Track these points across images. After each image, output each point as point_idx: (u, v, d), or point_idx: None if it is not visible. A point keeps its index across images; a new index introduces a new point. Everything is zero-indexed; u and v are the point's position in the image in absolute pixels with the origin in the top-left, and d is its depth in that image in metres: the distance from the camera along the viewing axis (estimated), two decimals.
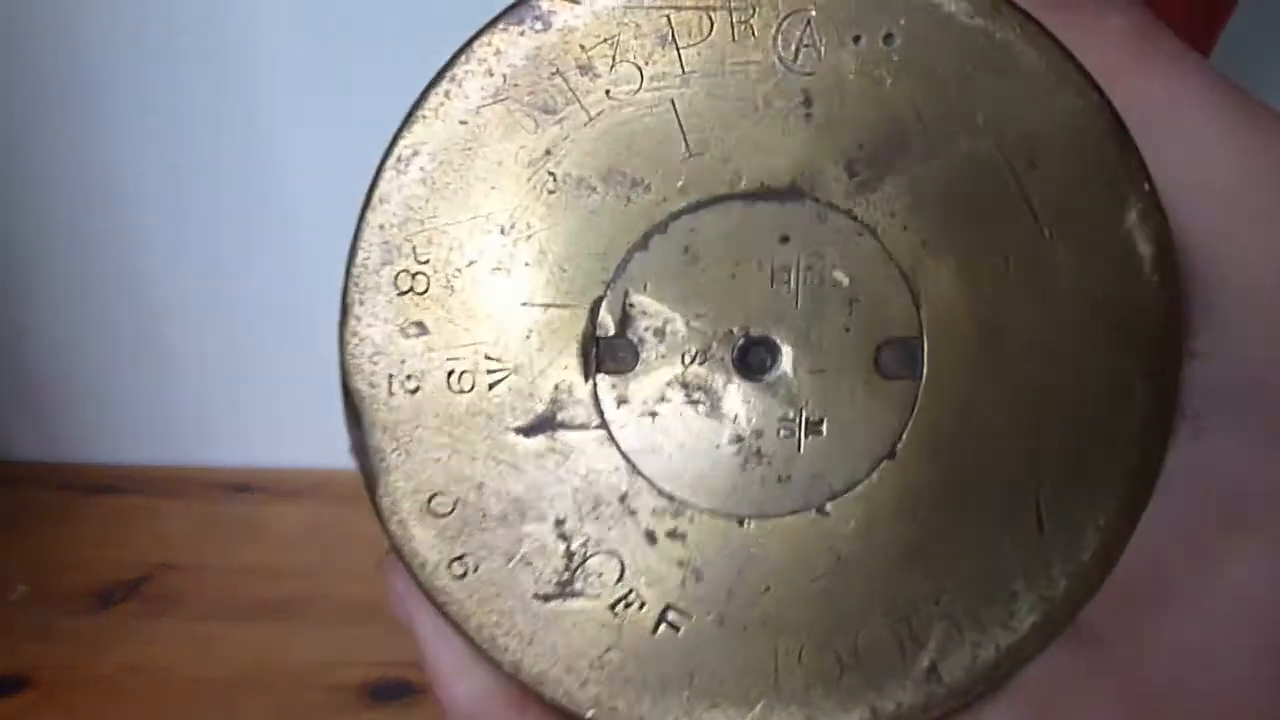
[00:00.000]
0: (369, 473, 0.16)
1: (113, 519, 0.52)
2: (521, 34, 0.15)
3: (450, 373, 0.15)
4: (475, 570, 0.15)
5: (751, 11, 0.14)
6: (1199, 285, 0.15)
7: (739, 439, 0.15)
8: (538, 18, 0.15)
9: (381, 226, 0.15)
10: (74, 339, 0.55)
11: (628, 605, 0.15)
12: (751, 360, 0.15)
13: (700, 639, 0.15)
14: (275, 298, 0.53)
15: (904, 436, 0.15)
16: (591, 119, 0.15)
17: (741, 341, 0.15)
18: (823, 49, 0.14)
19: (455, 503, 0.15)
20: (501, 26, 0.15)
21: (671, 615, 0.15)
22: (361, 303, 0.15)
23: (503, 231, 0.15)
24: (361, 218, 0.15)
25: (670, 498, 0.15)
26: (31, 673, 0.42)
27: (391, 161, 0.15)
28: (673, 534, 0.15)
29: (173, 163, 0.51)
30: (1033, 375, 0.15)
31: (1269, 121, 0.15)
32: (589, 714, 0.15)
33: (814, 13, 0.14)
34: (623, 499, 0.15)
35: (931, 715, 0.15)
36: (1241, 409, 0.15)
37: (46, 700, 0.41)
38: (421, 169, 0.15)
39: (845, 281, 0.15)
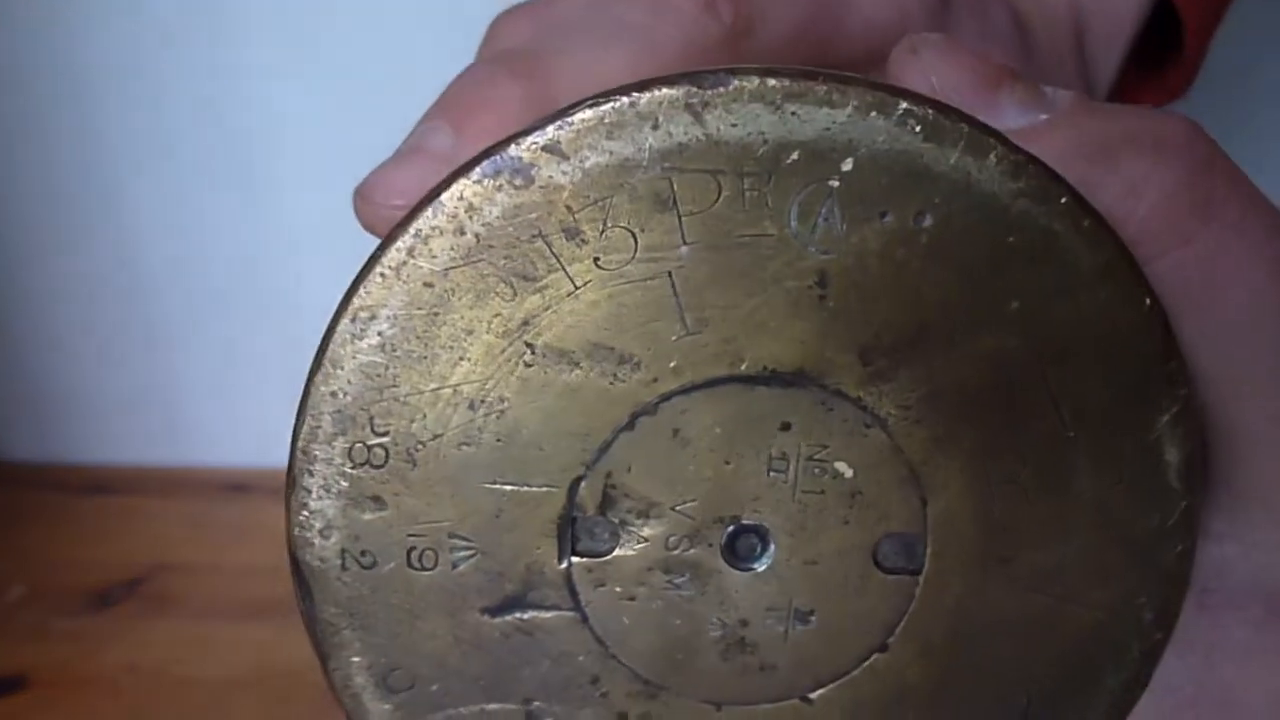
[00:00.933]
0: (320, 644, 0.14)
1: (110, 519, 0.52)
2: (499, 189, 0.13)
3: (411, 549, 0.14)
4: None
5: (767, 178, 0.13)
6: (1224, 467, 0.14)
7: (723, 627, 0.14)
8: (518, 171, 0.13)
9: (334, 394, 0.14)
10: (71, 339, 0.55)
11: None
12: (740, 548, 0.14)
13: None
14: (273, 299, 0.53)
15: (897, 631, 0.14)
16: (577, 289, 0.13)
17: (731, 529, 0.14)
18: (844, 225, 0.13)
19: (414, 679, 0.14)
20: (475, 178, 0.13)
21: None
22: (311, 474, 0.14)
23: (472, 406, 0.14)
24: (310, 381, 0.14)
25: (645, 681, 0.14)
26: (29, 673, 0.42)
27: (345, 322, 0.14)
28: (645, 717, 0.14)
29: (172, 164, 0.51)
30: (1036, 598, 0.14)
31: None
32: None
33: (838, 184, 0.13)
34: (594, 681, 0.14)
35: None
36: (1248, 602, 0.14)
37: (44, 700, 0.41)
38: (380, 333, 0.13)
39: (848, 474, 0.14)
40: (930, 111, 0.12)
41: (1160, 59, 0.30)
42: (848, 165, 0.12)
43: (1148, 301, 0.13)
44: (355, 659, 0.14)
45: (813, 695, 0.14)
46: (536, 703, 0.14)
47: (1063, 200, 0.13)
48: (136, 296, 0.54)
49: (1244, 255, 0.13)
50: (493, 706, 0.14)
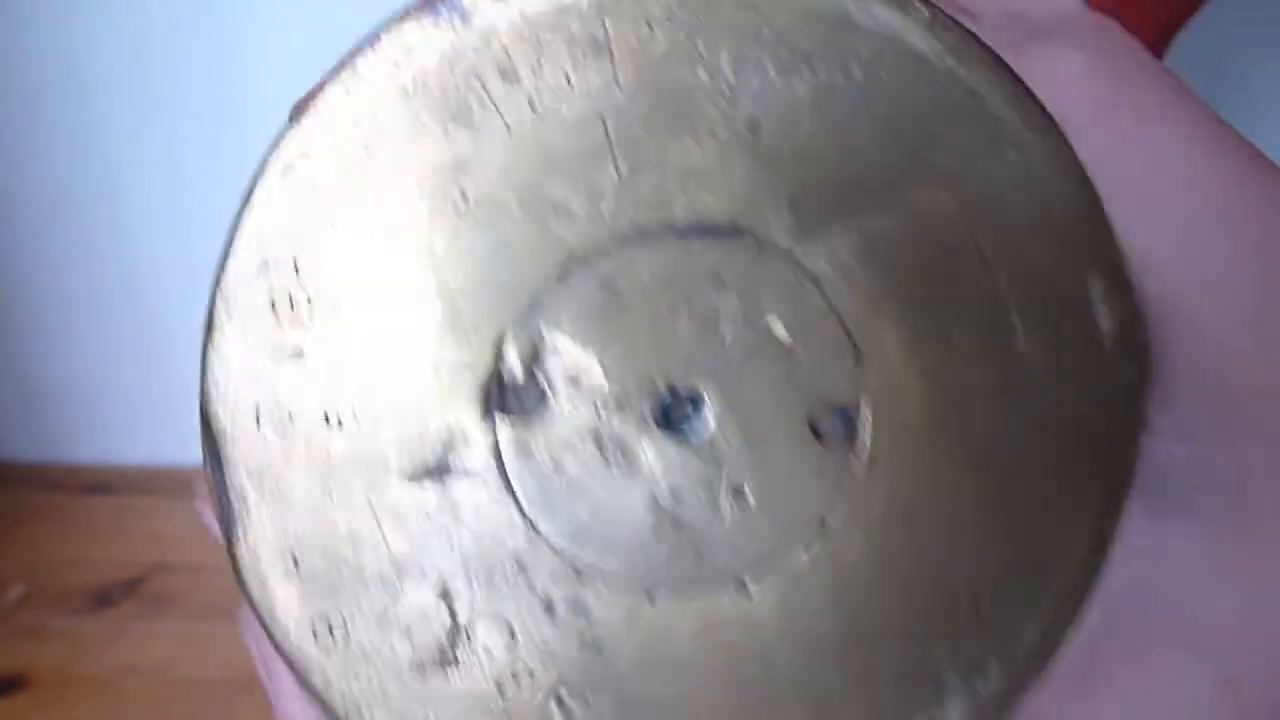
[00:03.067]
0: (226, 519, 0.14)
1: (109, 519, 0.52)
2: (438, 30, 0.13)
3: (328, 410, 0.13)
4: (344, 635, 0.13)
5: (700, 27, 0.13)
6: (1162, 356, 0.14)
7: (655, 503, 0.13)
8: (456, 12, 0.13)
9: (260, 233, 0.13)
10: (71, 339, 0.55)
11: (517, 682, 0.13)
12: (673, 414, 0.13)
13: None
14: None
15: (835, 509, 0.13)
16: (511, 132, 0.13)
17: (664, 394, 0.13)
18: (776, 77, 0.13)
19: (325, 557, 0.13)
20: (414, 20, 0.13)
21: (564, 696, 0.13)
22: (229, 318, 0.13)
23: (401, 252, 0.13)
24: (237, 221, 0.14)
25: (573, 563, 0.13)
26: (28, 673, 0.42)
27: (276, 162, 0.13)
28: (571, 602, 0.13)
29: (173, 163, 0.51)
30: (980, 474, 0.13)
31: (1248, 170, 0.13)
32: None
33: (768, 34, 0.13)
34: (518, 562, 0.13)
35: None
36: (1194, 495, 0.14)
37: (43, 700, 0.41)
38: (311, 173, 0.13)
39: (783, 334, 0.13)
40: None
41: None
42: (778, 17, 0.13)
43: (1074, 166, 0.13)
44: (263, 532, 0.14)
45: (748, 581, 0.13)
46: (455, 587, 0.13)
47: (988, 63, 0.13)
48: (137, 296, 0.54)
49: (1164, 138, 0.13)
50: (408, 589, 0.13)
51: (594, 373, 0.13)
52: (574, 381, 0.13)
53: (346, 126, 0.13)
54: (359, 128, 0.13)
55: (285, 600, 0.14)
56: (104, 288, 0.54)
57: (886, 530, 0.13)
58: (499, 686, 0.13)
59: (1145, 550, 0.14)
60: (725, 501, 0.13)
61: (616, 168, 0.13)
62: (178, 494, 0.53)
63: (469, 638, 0.13)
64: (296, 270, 0.13)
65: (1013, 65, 0.13)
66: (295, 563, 0.14)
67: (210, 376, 0.13)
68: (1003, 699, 0.13)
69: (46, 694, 0.41)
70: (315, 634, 0.13)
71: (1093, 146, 0.13)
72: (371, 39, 0.13)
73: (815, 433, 0.13)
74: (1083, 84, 0.13)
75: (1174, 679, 0.14)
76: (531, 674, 0.13)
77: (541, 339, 0.13)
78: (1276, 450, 0.13)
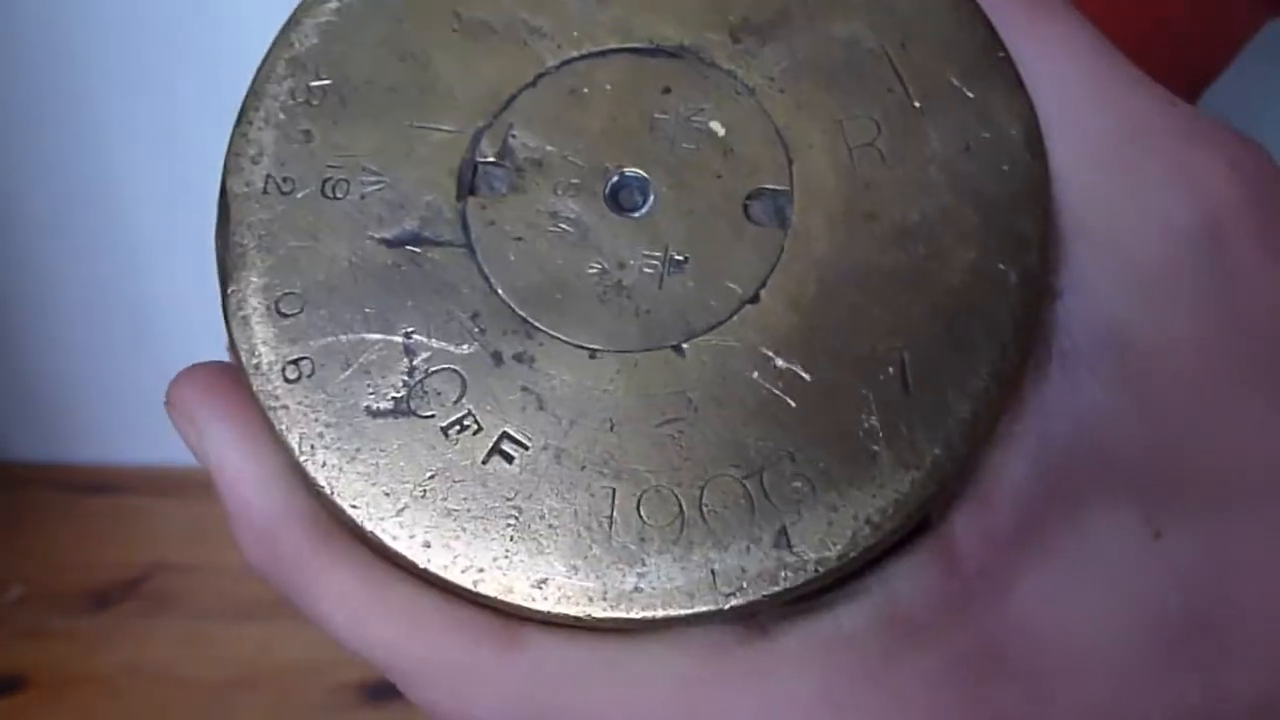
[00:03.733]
0: (224, 269, 0.15)
1: (110, 519, 0.52)
2: None
3: (327, 179, 0.15)
4: (310, 375, 0.15)
5: None
6: (1062, 226, 0.15)
7: (602, 271, 0.15)
8: None
9: (291, 45, 0.16)
10: (72, 339, 0.55)
11: (462, 428, 0.14)
12: (622, 196, 0.15)
13: (533, 474, 0.14)
14: None
15: (767, 283, 0.15)
16: None
17: (615, 178, 0.15)
18: None
19: (304, 305, 0.15)
20: None
21: (506, 445, 0.14)
22: (256, 109, 0.16)
23: (402, 59, 0.16)
24: (276, 41, 0.16)
25: (523, 320, 0.15)
26: (29, 672, 0.42)
27: None
28: (520, 357, 0.15)
29: (172, 163, 0.51)
30: (900, 254, 0.15)
31: (1136, 85, 0.15)
32: (395, 545, 0.14)
33: None
34: (474, 316, 0.15)
35: (780, 590, 0.14)
36: (1104, 359, 0.14)
37: (44, 700, 0.41)
38: (339, 4, 0.16)
39: (721, 132, 0.15)
40: None
41: None
42: None
43: (971, 2, 0.15)
44: (254, 279, 0.15)
45: (684, 344, 0.15)
46: (416, 335, 0.15)
47: None
48: (137, 296, 0.54)
49: (1069, 38, 0.15)
50: (374, 335, 0.15)
51: (555, 160, 0.15)
52: (538, 166, 0.15)
53: None
54: None
55: (264, 340, 0.15)
56: (104, 288, 0.54)
57: (813, 303, 0.15)
58: (445, 432, 0.14)
59: (1063, 407, 0.14)
60: (666, 271, 0.15)
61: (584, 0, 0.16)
62: (178, 494, 0.54)
63: (424, 385, 0.15)
64: (317, 71, 0.16)
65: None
66: (277, 308, 0.15)
67: (232, 153, 0.16)
68: (935, 478, 0.14)
69: (47, 693, 0.41)
70: (284, 374, 0.15)
71: (1011, 38, 0.15)
72: None
73: (749, 216, 0.15)
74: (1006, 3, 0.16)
75: (1102, 534, 0.14)
76: (477, 421, 0.14)
77: (513, 134, 0.15)
78: (1157, 306, 0.14)
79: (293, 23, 0.16)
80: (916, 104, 0.15)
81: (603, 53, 0.16)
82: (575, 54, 0.16)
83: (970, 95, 0.15)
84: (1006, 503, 0.14)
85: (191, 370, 0.16)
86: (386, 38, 0.16)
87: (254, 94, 0.16)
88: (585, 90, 0.16)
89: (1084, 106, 0.15)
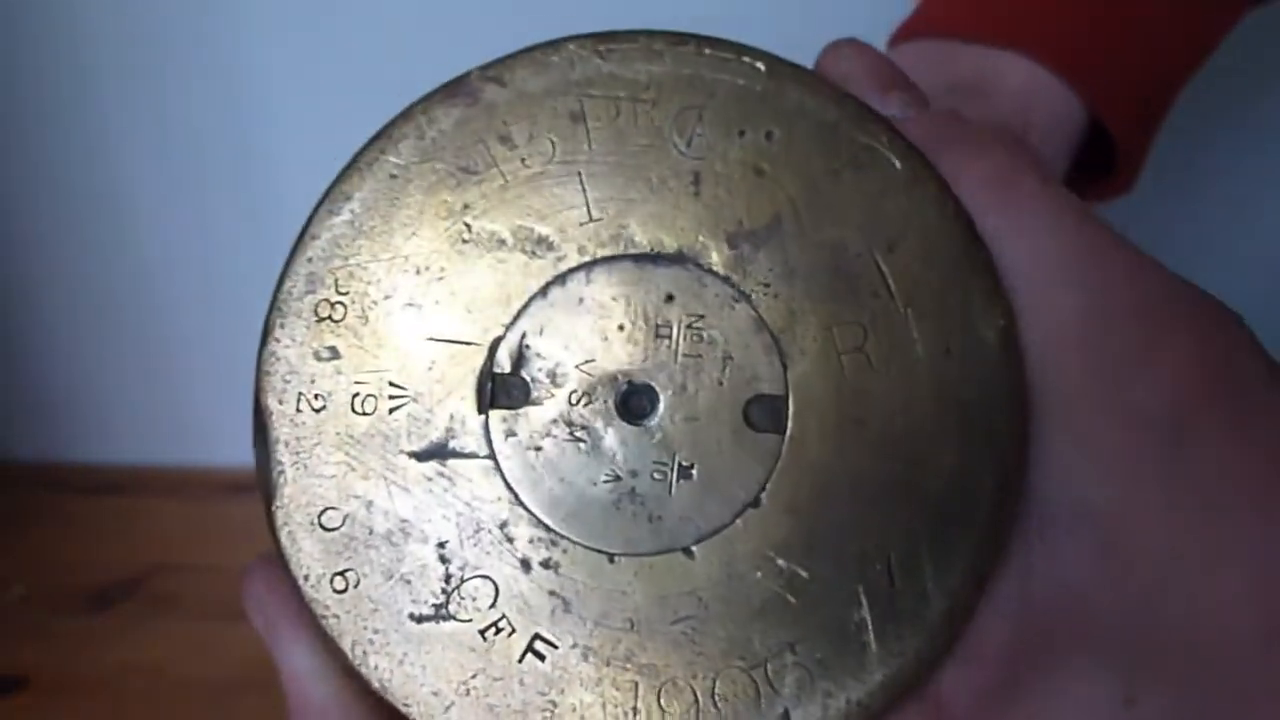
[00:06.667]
0: (266, 484, 0.16)
1: (110, 519, 0.52)
2: (454, 105, 0.17)
3: (355, 395, 0.16)
4: (356, 586, 0.16)
5: (652, 104, 0.17)
6: (1038, 406, 0.16)
7: (615, 478, 0.16)
8: (468, 93, 0.17)
9: (309, 259, 0.17)
10: (73, 339, 0.55)
11: (498, 631, 0.16)
12: (632, 405, 0.16)
13: (564, 670, 0.16)
14: None
15: (767, 487, 0.16)
16: (507, 182, 0.17)
17: (624, 387, 0.16)
18: (712, 139, 0.17)
19: (345, 519, 0.16)
20: (438, 99, 0.17)
21: (539, 644, 0.16)
22: (282, 326, 0.17)
23: (418, 272, 0.17)
24: (292, 254, 0.17)
25: (547, 528, 0.16)
26: (29, 673, 0.42)
27: (324, 206, 0.17)
28: (546, 564, 0.16)
29: (173, 164, 0.51)
30: (887, 460, 0.16)
31: (1106, 256, 0.16)
32: None
33: (705, 109, 0.17)
34: (502, 526, 0.16)
35: None
36: (1080, 530, 0.15)
37: (44, 700, 0.41)
38: (351, 213, 0.17)
39: (720, 341, 0.16)
40: (763, 61, 0.17)
41: (1106, 164, 0.32)
42: (713, 96, 0.17)
43: (952, 203, 0.16)
44: (295, 496, 0.16)
45: (694, 547, 0.16)
46: (449, 547, 0.16)
47: (875, 123, 0.17)
48: (138, 297, 0.54)
49: (1041, 219, 0.16)
50: (411, 547, 0.16)
51: (567, 370, 0.16)
52: (551, 377, 0.16)
53: (381, 179, 0.17)
54: (392, 180, 0.17)
55: (310, 554, 0.16)
56: (106, 289, 0.54)
57: (809, 506, 0.16)
58: (483, 635, 0.16)
59: (1044, 572, 0.15)
60: (674, 478, 0.16)
61: (589, 211, 0.17)
62: (178, 494, 0.54)
63: (460, 592, 0.16)
64: (336, 286, 0.17)
65: (930, 157, 0.16)
66: (320, 522, 0.16)
67: (263, 370, 0.17)
68: (919, 662, 0.16)
69: (47, 694, 0.41)
70: (333, 584, 0.16)
71: (988, 231, 0.16)
72: (403, 112, 0.17)
73: (749, 422, 0.16)
74: (985, 185, 0.16)
75: (1082, 697, 0.15)
76: (510, 624, 0.16)
77: (526, 344, 0.16)
78: (1126, 487, 0.15)
79: (307, 237, 0.17)
80: (901, 308, 0.16)
81: (607, 259, 0.16)
82: (581, 261, 0.16)
83: (951, 299, 0.16)
84: (991, 661, 0.16)
85: (265, 563, 0.17)
86: (401, 251, 0.17)
87: (277, 310, 0.17)
88: (593, 299, 0.16)
89: (1054, 287, 0.16)
